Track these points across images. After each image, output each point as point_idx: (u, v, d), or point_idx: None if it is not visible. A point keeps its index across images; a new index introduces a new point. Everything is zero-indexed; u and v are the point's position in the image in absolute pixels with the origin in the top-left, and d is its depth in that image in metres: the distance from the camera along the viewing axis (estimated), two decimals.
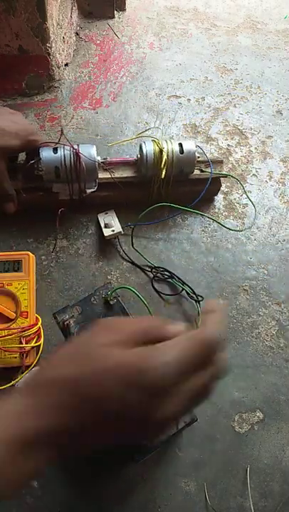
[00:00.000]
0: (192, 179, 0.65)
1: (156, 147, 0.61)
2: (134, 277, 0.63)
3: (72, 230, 0.65)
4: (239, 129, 0.79)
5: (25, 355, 0.54)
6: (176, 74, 0.86)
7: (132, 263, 0.63)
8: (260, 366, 0.57)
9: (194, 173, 0.65)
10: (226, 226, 0.67)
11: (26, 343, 0.54)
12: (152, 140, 0.63)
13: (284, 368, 0.58)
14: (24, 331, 0.54)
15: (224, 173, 0.67)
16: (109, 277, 0.62)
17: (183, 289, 0.61)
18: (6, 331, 0.53)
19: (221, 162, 0.67)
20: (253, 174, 0.74)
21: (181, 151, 0.62)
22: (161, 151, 0.60)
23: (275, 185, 0.73)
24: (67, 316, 0.49)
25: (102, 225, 0.64)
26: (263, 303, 0.62)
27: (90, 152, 0.60)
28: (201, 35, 0.93)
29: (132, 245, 0.63)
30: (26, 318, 0.55)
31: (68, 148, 0.59)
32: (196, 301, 0.60)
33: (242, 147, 0.77)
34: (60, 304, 0.60)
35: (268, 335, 0.60)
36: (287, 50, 0.92)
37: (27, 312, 0.56)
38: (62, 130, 0.60)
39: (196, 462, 0.52)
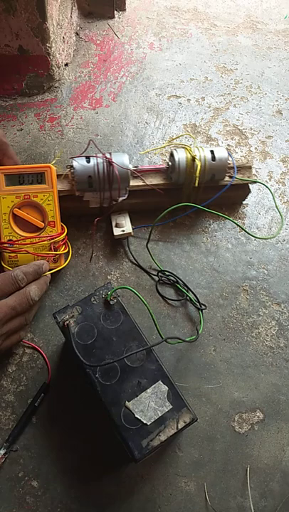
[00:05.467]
0: (222, 185, 0.64)
1: (189, 155, 0.61)
2: (134, 277, 0.63)
3: (72, 230, 0.65)
4: (239, 129, 0.79)
5: (55, 259, 0.60)
6: (176, 74, 0.86)
7: (138, 265, 0.63)
8: (260, 366, 0.58)
9: (225, 179, 0.64)
10: (252, 234, 0.66)
11: (55, 250, 0.59)
12: (183, 147, 0.63)
13: (284, 368, 0.58)
14: (53, 238, 0.59)
15: (251, 179, 0.66)
16: (109, 277, 0.62)
17: (187, 295, 0.61)
18: (37, 239, 0.58)
19: (250, 168, 0.66)
20: (253, 174, 0.74)
21: (213, 158, 0.62)
22: (193, 158, 0.61)
23: (275, 185, 0.73)
24: (67, 316, 0.49)
25: (113, 224, 0.64)
26: (263, 303, 0.62)
27: (122, 160, 0.60)
28: (201, 35, 0.93)
29: (147, 246, 0.63)
30: (54, 227, 0.59)
31: (101, 157, 0.60)
32: (198, 309, 0.60)
33: (242, 147, 0.77)
34: (60, 304, 0.60)
35: (268, 335, 0.60)
36: (287, 50, 0.92)
37: (54, 222, 0.59)
38: (91, 141, 0.62)
39: (196, 462, 0.52)
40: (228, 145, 0.77)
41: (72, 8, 0.86)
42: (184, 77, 0.86)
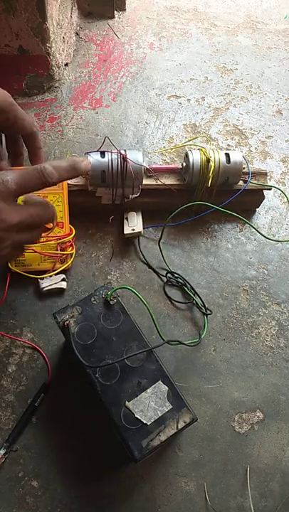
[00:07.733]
0: (236, 189, 0.64)
1: (204, 156, 0.61)
2: (134, 277, 0.63)
3: None
4: (239, 129, 0.79)
5: (62, 259, 0.61)
6: (176, 74, 0.86)
7: (148, 265, 0.63)
8: (260, 366, 0.58)
9: (239, 183, 0.64)
10: (271, 238, 0.65)
11: (62, 250, 0.60)
12: (199, 149, 0.63)
13: (284, 368, 0.58)
14: (61, 239, 0.60)
15: (269, 185, 0.66)
16: (109, 277, 0.62)
17: (194, 298, 0.61)
18: (45, 238, 0.58)
19: (265, 174, 0.66)
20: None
21: (228, 161, 0.62)
22: (208, 160, 0.61)
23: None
24: (67, 316, 0.49)
25: (125, 223, 0.64)
26: (263, 303, 0.62)
27: (136, 158, 0.60)
28: (201, 35, 0.93)
29: (159, 244, 0.63)
30: (62, 228, 0.60)
31: (116, 153, 0.60)
32: (204, 314, 0.60)
33: (242, 147, 0.77)
34: (60, 304, 0.60)
35: (268, 335, 0.60)
36: (287, 50, 0.92)
37: (62, 223, 0.60)
38: (106, 137, 0.62)
39: (196, 462, 0.52)
40: (228, 145, 0.77)
41: (72, 8, 0.86)
42: (184, 77, 0.86)
